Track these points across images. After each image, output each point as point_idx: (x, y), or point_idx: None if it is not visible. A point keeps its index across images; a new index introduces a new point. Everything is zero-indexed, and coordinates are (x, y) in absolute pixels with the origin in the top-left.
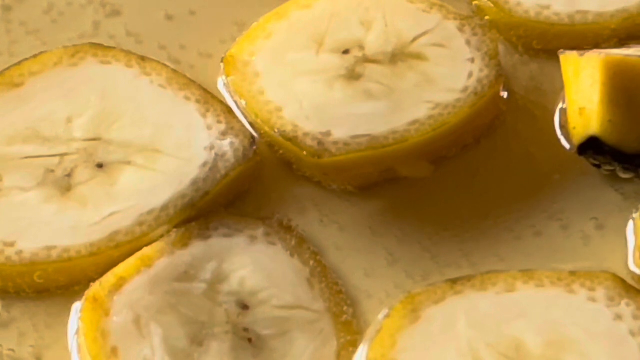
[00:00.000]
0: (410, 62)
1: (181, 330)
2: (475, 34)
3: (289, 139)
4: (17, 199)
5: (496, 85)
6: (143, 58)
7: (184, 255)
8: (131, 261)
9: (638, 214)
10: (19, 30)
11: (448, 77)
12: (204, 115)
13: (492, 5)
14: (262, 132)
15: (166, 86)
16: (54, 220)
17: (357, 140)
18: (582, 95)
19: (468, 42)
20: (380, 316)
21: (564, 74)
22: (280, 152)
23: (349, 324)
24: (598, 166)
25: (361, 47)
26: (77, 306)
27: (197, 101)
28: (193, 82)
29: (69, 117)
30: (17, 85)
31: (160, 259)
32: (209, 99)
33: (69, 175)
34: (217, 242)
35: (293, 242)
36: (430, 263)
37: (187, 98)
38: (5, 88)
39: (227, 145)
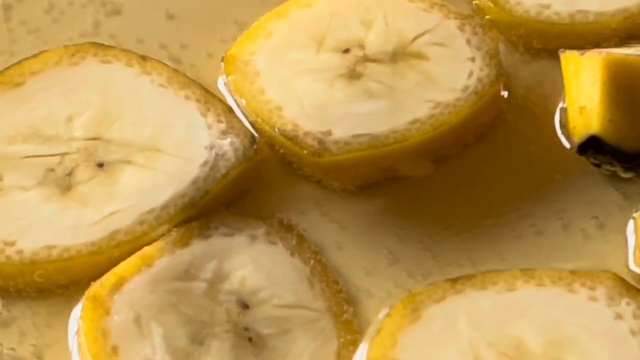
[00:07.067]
0: (410, 62)
1: (182, 329)
2: (475, 33)
3: (290, 138)
4: (18, 198)
5: (496, 85)
6: (143, 57)
7: (185, 255)
8: (132, 260)
9: (638, 213)
10: (20, 30)
11: (448, 76)
12: (204, 115)
13: (492, 4)
14: (263, 131)
15: (166, 85)
16: (55, 220)
17: (358, 139)
18: (582, 95)
19: (468, 42)
20: (381, 315)
21: (564, 73)
22: (281, 151)
23: (349, 323)
24: (598, 165)
25: (362, 47)
26: (77, 305)
27: (198, 100)
28: (193, 81)
29: (69, 116)
30: (18, 85)
31: (160, 258)
32: (210, 98)
33: (69, 175)
34: (217, 241)
35: (293, 242)
36: (430, 262)
37: (187, 97)
38: (6, 87)
39: (228, 145)
